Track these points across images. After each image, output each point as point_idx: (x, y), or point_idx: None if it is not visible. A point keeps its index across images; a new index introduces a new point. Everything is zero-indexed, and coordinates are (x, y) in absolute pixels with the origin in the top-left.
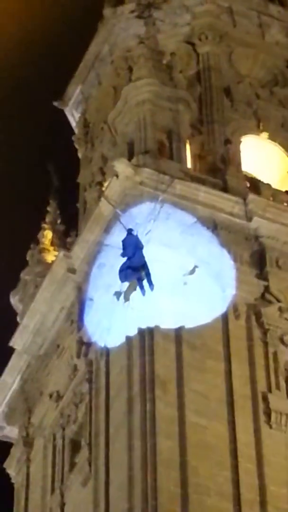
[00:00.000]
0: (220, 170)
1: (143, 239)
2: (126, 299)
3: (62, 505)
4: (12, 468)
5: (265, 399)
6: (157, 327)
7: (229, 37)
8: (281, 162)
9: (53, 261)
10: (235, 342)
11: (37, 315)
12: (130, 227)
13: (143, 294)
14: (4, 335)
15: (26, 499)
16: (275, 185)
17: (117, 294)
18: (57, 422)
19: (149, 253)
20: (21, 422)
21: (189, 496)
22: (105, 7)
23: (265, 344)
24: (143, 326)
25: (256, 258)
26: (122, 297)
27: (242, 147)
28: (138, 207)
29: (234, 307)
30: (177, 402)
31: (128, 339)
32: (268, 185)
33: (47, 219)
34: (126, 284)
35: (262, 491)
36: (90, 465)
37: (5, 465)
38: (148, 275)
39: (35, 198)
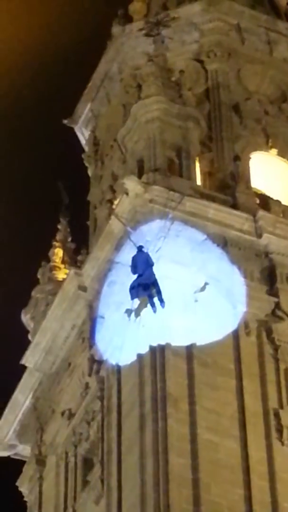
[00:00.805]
0: (229, 187)
1: (153, 257)
2: (137, 315)
3: None
4: (24, 486)
5: (276, 415)
6: (168, 344)
7: (237, 54)
8: None
9: (64, 279)
10: (246, 359)
11: (48, 333)
12: (141, 244)
13: (154, 311)
14: (15, 353)
15: None
16: (285, 201)
17: (128, 312)
18: (70, 440)
19: (159, 271)
20: (34, 440)
21: None
22: (114, 25)
23: (276, 360)
24: (154, 344)
25: (266, 275)
26: (133, 314)
27: (252, 163)
28: (148, 224)
29: (245, 324)
30: (189, 419)
31: (140, 356)
32: (278, 202)
33: (57, 237)
34: (137, 301)
35: (275, 508)
36: (102, 483)
37: (17, 483)
38: (158, 292)
39: (46, 216)
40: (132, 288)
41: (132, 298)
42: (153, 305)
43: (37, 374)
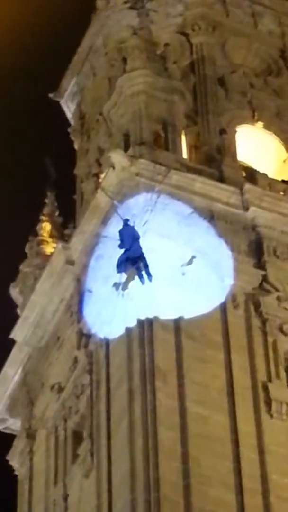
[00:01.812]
0: (216, 160)
1: (140, 230)
2: (125, 289)
3: (66, 497)
4: (15, 460)
5: (265, 388)
6: (156, 318)
7: (222, 27)
8: (277, 151)
9: (51, 253)
10: (234, 332)
11: (37, 307)
12: (127, 217)
13: (143, 283)
14: (4, 327)
15: (30, 490)
16: (271, 174)
17: (116, 285)
18: (59, 413)
19: (146, 244)
20: (24, 414)
21: (191, 487)
22: None
23: (264, 333)
24: (143, 317)
25: (253, 248)
26: (120, 288)
27: (238, 137)
28: (134, 198)
29: (233, 297)
30: (177, 392)
31: (128, 330)
32: (264, 175)
33: (45, 211)
34: (125, 275)
35: (264, 481)
36: (92, 456)
37: (8, 457)
38: (146, 266)
39: (33, 190)
40: (119, 262)
41: (119, 272)
42: (141, 277)
43: (26, 348)
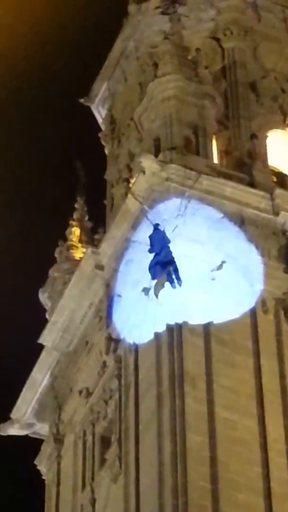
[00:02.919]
0: (246, 165)
1: (170, 235)
2: (156, 295)
3: (93, 501)
4: (43, 464)
5: None
6: (185, 323)
7: (254, 31)
8: None
9: (81, 258)
10: (263, 337)
11: (65, 312)
12: (157, 222)
13: (173, 287)
14: (33, 332)
15: (57, 495)
16: None
17: (146, 290)
18: (87, 418)
19: (176, 249)
20: (52, 419)
21: (219, 492)
22: (130, 3)
23: None
24: (172, 322)
25: (283, 253)
26: (151, 293)
27: (268, 142)
28: (165, 203)
29: (263, 302)
30: (206, 397)
31: (157, 335)
32: None
33: (74, 216)
34: (154, 280)
35: None
36: (120, 461)
37: (36, 461)
38: (176, 270)
39: (63, 195)
40: (150, 267)
41: (152, 278)
42: (171, 281)
43: (54, 353)
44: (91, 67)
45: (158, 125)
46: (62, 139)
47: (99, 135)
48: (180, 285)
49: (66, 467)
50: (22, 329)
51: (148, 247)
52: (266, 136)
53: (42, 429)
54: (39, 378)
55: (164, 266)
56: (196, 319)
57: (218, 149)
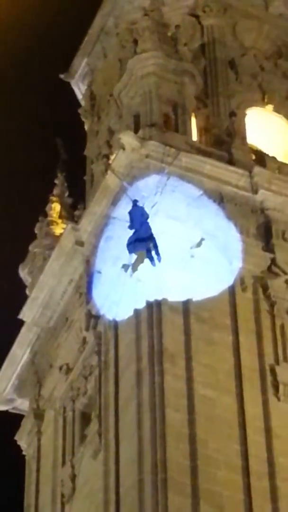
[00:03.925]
0: (225, 142)
1: (149, 212)
2: (134, 270)
3: (73, 477)
4: (23, 440)
5: (272, 371)
6: (164, 300)
7: (233, 9)
8: (287, 135)
9: (61, 234)
10: (242, 315)
11: (45, 288)
12: (135, 198)
13: (153, 264)
14: (13, 307)
15: (37, 471)
16: (281, 157)
17: (125, 267)
18: (67, 394)
19: (155, 226)
20: (32, 395)
21: (198, 469)
22: None
23: (272, 316)
24: (151, 299)
25: (262, 231)
26: (130, 269)
27: (247, 119)
28: (144, 179)
29: (241, 280)
30: (185, 375)
31: (136, 312)
32: (274, 158)
33: (55, 192)
34: (134, 256)
35: (271, 463)
36: (100, 437)
37: (16, 437)
38: (155, 246)
39: (43, 171)
40: (129, 243)
41: (130, 253)
42: (151, 259)
43: (34, 328)
44: (71, 43)
45: (138, 102)
46: (42, 115)
47: (79, 111)
48: (159, 261)
49: (46, 443)
50: (2, 305)
51: (128, 223)
52: (245, 114)
53: (22, 404)
54: (19, 354)
55: (143, 242)
56: (175, 296)
57: (197, 126)
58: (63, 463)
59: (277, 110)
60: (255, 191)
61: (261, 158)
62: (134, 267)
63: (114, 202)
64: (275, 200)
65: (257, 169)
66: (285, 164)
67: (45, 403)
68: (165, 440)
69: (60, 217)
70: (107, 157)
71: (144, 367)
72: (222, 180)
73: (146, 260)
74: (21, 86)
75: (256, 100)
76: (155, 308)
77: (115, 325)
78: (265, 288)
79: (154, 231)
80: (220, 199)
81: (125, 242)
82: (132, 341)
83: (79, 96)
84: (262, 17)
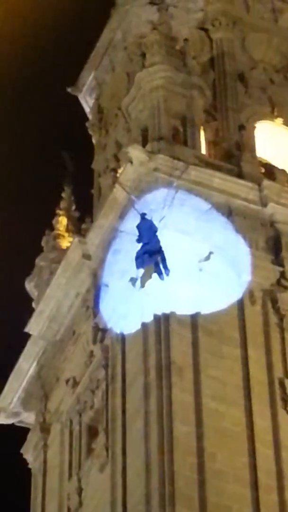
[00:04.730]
0: (234, 156)
1: (157, 226)
2: (143, 285)
3: (80, 491)
4: (29, 453)
5: (281, 384)
6: (173, 313)
7: (242, 22)
8: None
9: (68, 247)
10: (251, 328)
11: (52, 301)
12: (144, 211)
13: (162, 278)
14: (19, 321)
15: (44, 484)
16: None
17: (133, 280)
18: (74, 408)
19: (164, 239)
20: (38, 408)
21: (206, 482)
22: None
23: (281, 329)
24: (159, 312)
25: (271, 244)
26: (138, 283)
27: (257, 133)
28: (152, 193)
29: (250, 293)
30: (193, 388)
31: (144, 325)
32: (283, 171)
33: (61, 206)
34: (142, 270)
35: (280, 476)
36: (107, 451)
37: (22, 450)
38: (163, 260)
39: (50, 184)
40: (137, 257)
41: (138, 268)
42: (159, 273)
43: (41, 342)
44: (79, 57)
45: (146, 115)
46: (50, 129)
47: (87, 124)
48: (167, 274)
49: (53, 456)
50: (9, 318)
51: (136, 237)
52: (254, 127)
53: (29, 418)
54: (26, 367)
55: (152, 255)
56: (184, 309)
57: (206, 139)
58: (70, 476)
59: (286, 123)
60: (264, 205)
61: (271, 171)
62: (142, 282)
63: (122, 216)
64: (285, 213)
65: (266, 183)
66: None
67: (51, 417)
68: (173, 454)
69: (67, 230)
70: (114, 170)
71: (152, 380)
72: (231, 194)
73: (154, 274)
74: (29, 100)
75: (265, 113)
76: (163, 322)
77: (122, 338)
78: (274, 302)
79: (163, 244)
80: (229, 212)
81: (133, 255)
82: (140, 355)
83: (87, 110)
84: (272, 30)
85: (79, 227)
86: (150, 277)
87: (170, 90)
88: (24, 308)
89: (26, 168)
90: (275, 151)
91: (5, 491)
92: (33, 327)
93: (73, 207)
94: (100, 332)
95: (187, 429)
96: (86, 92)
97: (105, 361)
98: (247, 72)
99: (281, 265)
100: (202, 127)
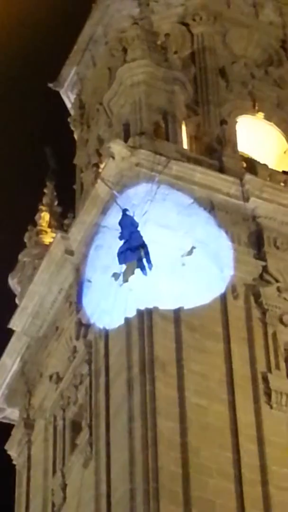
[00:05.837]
0: (216, 150)
1: (140, 220)
2: (125, 280)
3: (64, 486)
4: (13, 449)
5: (265, 379)
6: (156, 308)
7: (223, 17)
8: (277, 142)
9: (50, 243)
10: (234, 323)
11: (35, 297)
12: (125, 207)
13: (145, 273)
14: (3, 317)
15: (28, 480)
16: (272, 165)
17: (116, 276)
18: (58, 403)
19: (146, 234)
20: (22, 404)
21: (190, 477)
22: None
23: (264, 324)
24: (142, 307)
25: (253, 239)
26: (120, 278)
27: (238, 127)
28: (134, 188)
29: (233, 288)
30: (177, 383)
31: (127, 320)
32: (265, 166)
33: (44, 201)
34: (124, 265)
35: (263, 471)
36: (91, 446)
37: (6, 446)
38: (147, 254)
39: (32, 180)
40: (120, 253)
41: (120, 263)
42: (142, 267)
43: (24, 338)
44: (60, 52)
45: (128, 110)
46: (32, 124)
47: (69, 120)
48: (150, 269)
49: (37, 452)
50: None
51: (118, 232)
52: (236, 122)
53: (13, 414)
54: (9, 363)
55: (134, 251)
56: (167, 304)
57: (187, 134)
58: (54, 472)
59: (268, 117)
60: (246, 199)
61: (252, 166)
62: (125, 277)
63: (104, 211)
64: (267, 208)
65: (248, 177)
66: (276, 171)
67: (35, 413)
68: (157, 449)
69: (50, 226)
70: (96, 166)
71: (135, 375)
72: (213, 188)
73: (137, 269)
74: (10, 95)
75: (246, 108)
76: (146, 317)
77: (105, 333)
78: (257, 296)
79: (145, 239)
80: (211, 207)
81: (115, 250)
82: (123, 350)
83: (69, 105)
84: (253, 25)
85: (61, 223)
86: (133, 272)
87: (151, 85)
88: (7, 304)
89: (8, 163)
90: (257, 145)
91: None
92: (17, 323)
93: (56, 203)
94: (83, 327)
95: (171, 424)
96: (67, 87)
97: (88, 356)
98: (228, 67)
99: (264, 259)
100: (183, 122)
